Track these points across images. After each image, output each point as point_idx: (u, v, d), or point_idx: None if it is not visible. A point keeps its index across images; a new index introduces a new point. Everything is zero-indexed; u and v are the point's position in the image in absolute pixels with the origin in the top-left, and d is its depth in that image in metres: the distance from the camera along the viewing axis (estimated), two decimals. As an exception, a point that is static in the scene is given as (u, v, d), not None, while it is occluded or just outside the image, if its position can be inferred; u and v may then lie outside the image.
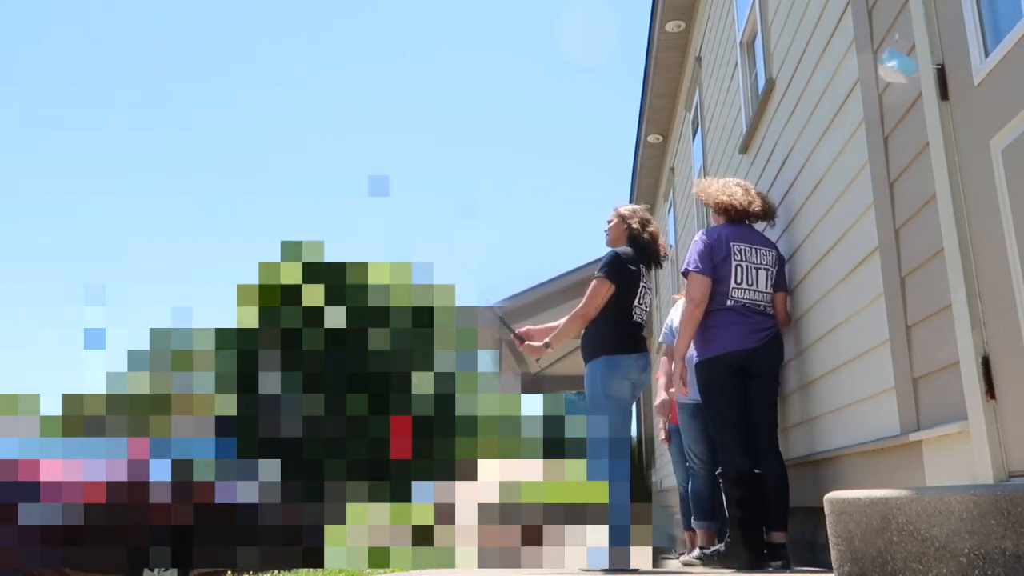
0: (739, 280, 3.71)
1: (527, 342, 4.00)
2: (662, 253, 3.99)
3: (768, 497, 3.55)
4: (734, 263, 3.70)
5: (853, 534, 1.74)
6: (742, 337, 3.65)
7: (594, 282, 3.83)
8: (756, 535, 3.51)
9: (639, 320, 3.84)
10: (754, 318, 3.70)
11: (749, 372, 3.65)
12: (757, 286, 3.75)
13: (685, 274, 3.74)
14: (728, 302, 3.68)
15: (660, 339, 4.97)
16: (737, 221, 3.83)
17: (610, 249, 3.92)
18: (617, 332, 3.76)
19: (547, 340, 3.91)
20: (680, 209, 8.65)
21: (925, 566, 1.60)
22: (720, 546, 3.80)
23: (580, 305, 3.84)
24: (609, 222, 4.03)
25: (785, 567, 3.53)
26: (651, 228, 3.99)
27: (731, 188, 3.90)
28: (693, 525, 4.63)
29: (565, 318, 3.92)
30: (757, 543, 3.49)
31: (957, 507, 1.58)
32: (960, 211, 2.26)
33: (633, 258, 3.85)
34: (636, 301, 3.82)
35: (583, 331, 3.89)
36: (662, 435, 5.34)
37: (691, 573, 3.45)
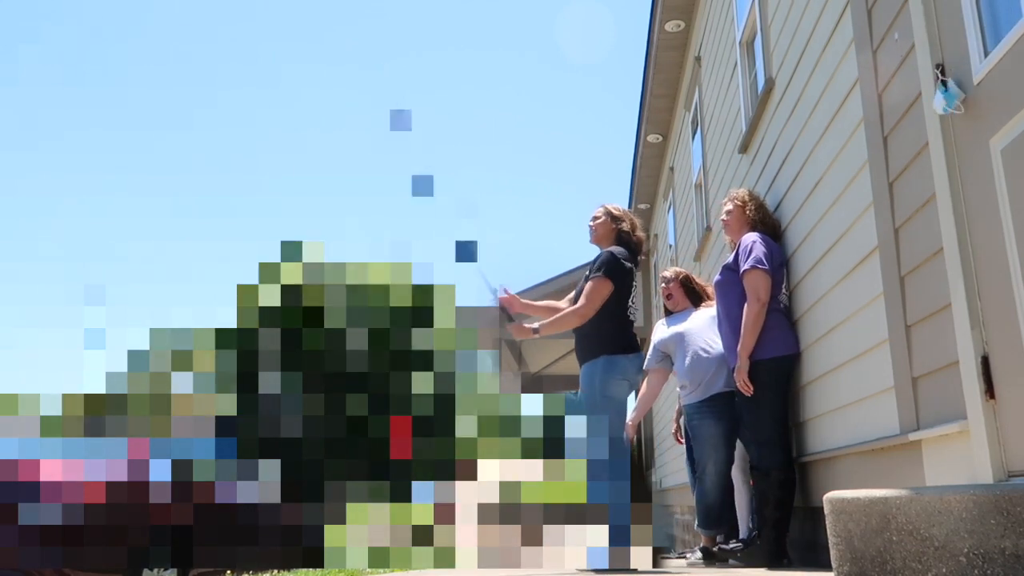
0: (785, 287, 3.80)
1: (515, 322, 3.92)
2: (641, 255, 4.04)
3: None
4: (783, 268, 3.82)
5: (853, 534, 1.74)
6: (796, 341, 3.74)
7: (593, 282, 3.77)
8: (785, 537, 3.58)
9: (632, 318, 3.84)
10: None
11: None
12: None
13: (742, 272, 3.73)
14: (781, 305, 3.77)
15: (646, 366, 4.60)
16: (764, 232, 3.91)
17: (603, 249, 3.92)
18: (616, 332, 3.75)
19: (536, 327, 3.81)
20: (680, 209, 8.65)
21: (924, 565, 1.60)
22: (739, 543, 3.82)
23: (580, 304, 3.78)
24: (596, 219, 4.00)
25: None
26: (639, 232, 4.00)
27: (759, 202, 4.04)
28: (698, 530, 4.60)
29: (564, 310, 3.86)
30: (784, 545, 3.56)
31: (956, 507, 1.58)
32: (959, 211, 2.26)
33: (627, 257, 3.85)
34: (630, 300, 3.82)
35: (576, 330, 3.88)
36: (672, 428, 5.27)
37: (691, 573, 3.45)
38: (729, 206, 4.03)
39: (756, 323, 3.65)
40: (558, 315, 3.85)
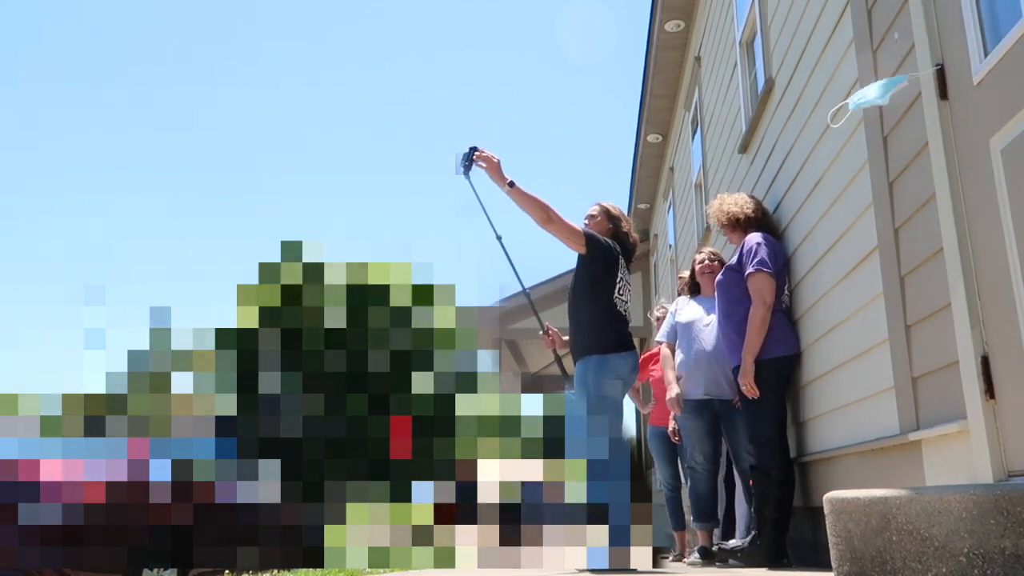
0: (787, 287, 3.81)
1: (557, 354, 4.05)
2: (634, 255, 4.04)
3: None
4: (785, 269, 3.82)
5: (852, 533, 1.74)
6: (797, 341, 3.74)
7: (576, 225, 3.81)
8: (785, 537, 3.58)
9: (624, 313, 3.82)
10: None
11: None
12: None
13: (747, 275, 3.73)
14: (783, 305, 3.78)
15: (660, 337, 4.82)
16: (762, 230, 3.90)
17: None
18: (609, 327, 3.73)
19: (512, 180, 3.70)
20: (680, 209, 8.65)
21: (924, 565, 1.60)
22: (739, 543, 3.82)
23: (554, 212, 3.71)
24: (592, 217, 3.99)
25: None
26: (635, 235, 4.01)
27: (744, 199, 4.03)
28: (694, 526, 4.60)
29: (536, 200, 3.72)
30: (784, 545, 3.56)
31: (956, 507, 1.58)
32: (959, 210, 2.27)
33: (619, 251, 3.85)
34: (617, 292, 3.79)
35: (569, 327, 3.87)
36: (671, 426, 5.21)
37: (690, 573, 3.45)
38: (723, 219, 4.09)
39: (762, 326, 3.64)
40: (538, 197, 3.71)
